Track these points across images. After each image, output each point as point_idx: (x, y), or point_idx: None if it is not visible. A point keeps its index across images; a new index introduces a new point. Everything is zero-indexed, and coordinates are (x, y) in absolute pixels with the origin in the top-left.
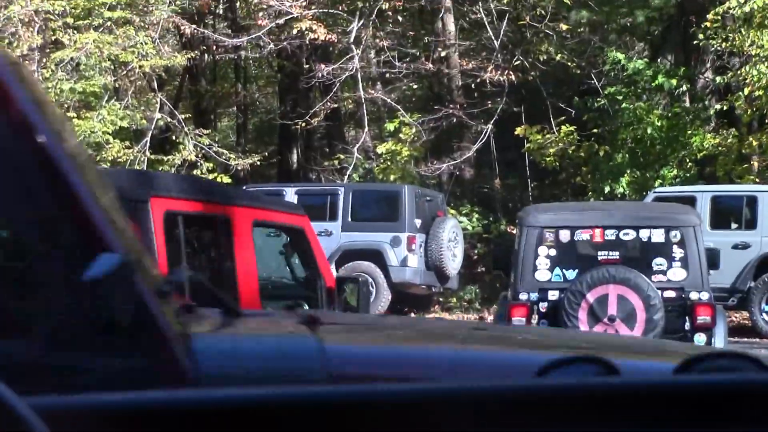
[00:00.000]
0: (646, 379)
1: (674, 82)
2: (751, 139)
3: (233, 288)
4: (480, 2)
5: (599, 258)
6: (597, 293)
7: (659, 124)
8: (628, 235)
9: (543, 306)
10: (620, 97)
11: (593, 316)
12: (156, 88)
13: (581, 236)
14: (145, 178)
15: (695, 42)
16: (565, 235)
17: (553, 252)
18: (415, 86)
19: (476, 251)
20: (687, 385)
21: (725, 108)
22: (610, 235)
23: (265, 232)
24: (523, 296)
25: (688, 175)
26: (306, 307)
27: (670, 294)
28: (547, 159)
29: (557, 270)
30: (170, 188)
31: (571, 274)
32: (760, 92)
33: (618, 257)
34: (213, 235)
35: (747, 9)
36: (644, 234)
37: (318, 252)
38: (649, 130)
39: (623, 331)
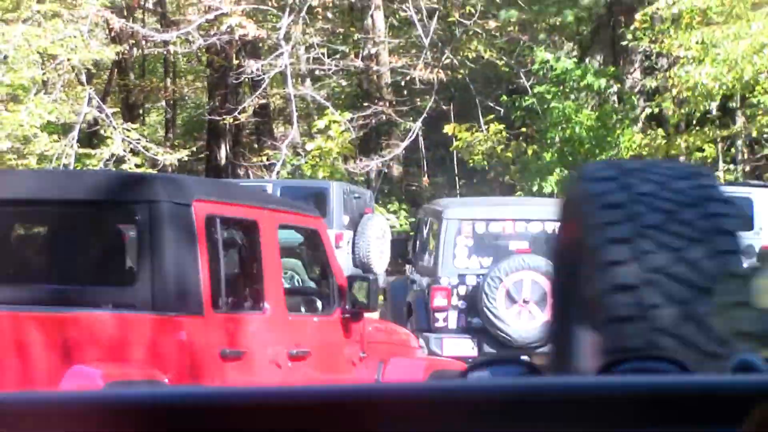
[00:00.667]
0: (569, 380)
1: (603, 81)
2: (678, 140)
3: (261, 285)
4: (410, 0)
5: (512, 248)
6: (513, 278)
7: (588, 123)
8: (537, 227)
9: (462, 289)
10: (549, 96)
11: (510, 298)
12: (84, 81)
13: (495, 228)
14: (189, 183)
15: (624, 42)
16: (481, 227)
17: (470, 242)
18: (344, 83)
19: None
20: (610, 386)
21: (654, 110)
22: (521, 227)
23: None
24: (444, 281)
25: None
26: (319, 303)
27: None
28: (476, 157)
29: (474, 258)
30: (210, 192)
31: (486, 261)
32: (688, 93)
33: (528, 247)
34: (244, 236)
35: (675, 10)
36: (550, 226)
37: (330, 252)
38: (577, 129)
39: (535, 312)
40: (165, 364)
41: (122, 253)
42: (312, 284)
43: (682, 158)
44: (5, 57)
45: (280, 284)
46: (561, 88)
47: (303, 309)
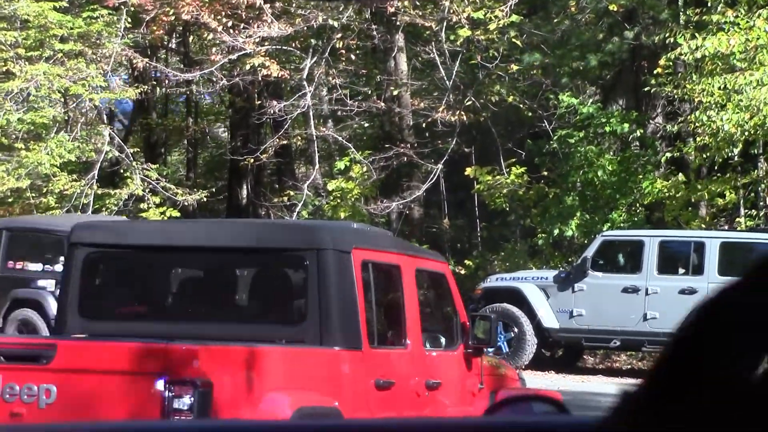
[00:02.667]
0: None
1: (626, 127)
2: (699, 185)
3: (404, 323)
4: (433, 42)
5: None
6: None
7: (610, 168)
8: None
9: None
10: (572, 141)
11: None
12: (106, 121)
13: None
14: (349, 232)
15: (646, 88)
16: None
17: None
18: (366, 125)
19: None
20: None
21: (676, 155)
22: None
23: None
24: None
25: (636, 219)
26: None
27: None
28: (497, 200)
29: None
30: (364, 241)
31: None
32: (709, 140)
33: None
34: (390, 279)
35: (698, 56)
36: None
37: (455, 292)
38: (599, 174)
39: None
40: (333, 392)
41: (291, 295)
42: (438, 321)
43: (703, 204)
44: (27, 95)
45: (418, 322)
46: (584, 132)
47: (432, 344)
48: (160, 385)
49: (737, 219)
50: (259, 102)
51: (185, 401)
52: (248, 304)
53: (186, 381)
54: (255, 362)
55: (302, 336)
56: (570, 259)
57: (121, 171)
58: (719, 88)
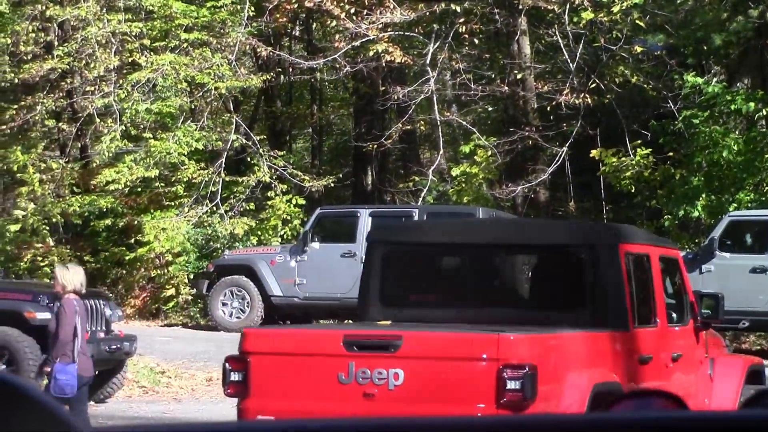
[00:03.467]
0: (716, 413)
1: (752, 105)
2: None
3: (654, 304)
4: (556, 25)
5: None
6: None
7: (735, 147)
8: None
9: None
10: (697, 121)
11: None
12: (232, 109)
13: None
14: (616, 229)
15: None
16: None
17: None
18: (490, 109)
19: None
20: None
21: None
22: None
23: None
24: None
25: (764, 199)
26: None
27: None
28: (623, 182)
29: None
30: (626, 236)
31: None
32: None
33: None
34: (642, 267)
35: None
36: None
37: (685, 275)
38: (725, 154)
39: None
40: (613, 368)
41: (569, 285)
42: (672, 302)
43: None
44: (154, 85)
45: (664, 303)
46: (709, 112)
47: (671, 321)
48: (492, 369)
49: None
50: (383, 88)
51: (516, 384)
52: (530, 293)
53: (517, 365)
54: (563, 346)
55: (588, 321)
56: (697, 240)
57: (248, 159)
58: None
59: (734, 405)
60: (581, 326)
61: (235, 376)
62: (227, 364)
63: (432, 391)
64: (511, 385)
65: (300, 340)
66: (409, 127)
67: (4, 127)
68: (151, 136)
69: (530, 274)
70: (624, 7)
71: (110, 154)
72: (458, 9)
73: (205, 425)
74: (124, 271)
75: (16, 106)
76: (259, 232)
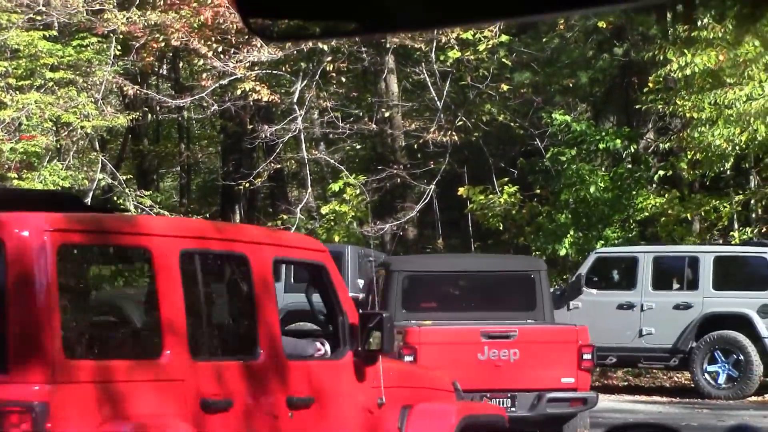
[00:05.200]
0: None
1: (619, 143)
2: (692, 201)
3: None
4: (423, 64)
5: None
6: None
7: (602, 184)
8: None
9: None
10: (564, 158)
11: None
12: (98, 148)
13: None
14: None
15: (637, 106)
16: None
17: None
18: (358, 147)
19: None
20: None
21: (669, 173)
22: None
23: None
24: None
25: (630, 236)
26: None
27: None
28: (490, 219)
29: None
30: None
31: None
32: (701, 155)
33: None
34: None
35: (688, 72)
36: None
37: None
38: (592, 191)
39: None
40: None
41: (524, 295)
42: None
43: (696, 219)
44: (19, 125)
45: None
46: (576, 149)
47: None
48: (575, 348)
49: (731, 233)
50: (251, 126)
51: (589, 356)
52: (499, 302)
53: (587, 345)
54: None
55: (535, 317)
56: (565, 277)
57: (115, 198)
58: (710, 104)
59: None
60: (539, 321)
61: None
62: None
63: (537, 363)
64: (586, 357)
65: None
66: (277, 166)
67: None
68: (16, 176)
69: (500, 289)
70: (490, 46)
71: None
72: (325, 47)
73: None
74: None
75: None
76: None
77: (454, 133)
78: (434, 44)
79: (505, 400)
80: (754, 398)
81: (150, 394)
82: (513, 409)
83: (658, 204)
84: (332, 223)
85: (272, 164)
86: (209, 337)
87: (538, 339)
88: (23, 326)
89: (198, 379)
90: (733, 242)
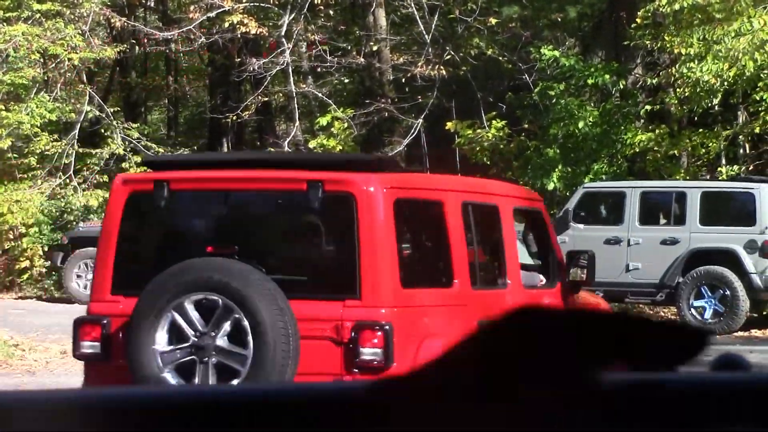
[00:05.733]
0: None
1: (607, 78)
2: (681, 137)
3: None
4: None
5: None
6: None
7: (591, 120)
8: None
9: None
10: (552, 93)
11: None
12: (85, 80)
13: None
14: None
15: (626, 42)
16: None
17: None
18: (346, 80)
19: None
20: None
21: (656, 107)
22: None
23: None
24: None
25: (618, 171)
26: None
27: None
28: (478, 154)
29: None
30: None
31: None
32: (689, 91)
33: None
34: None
35: (677, 7)
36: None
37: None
38: (580, 126)
39: None
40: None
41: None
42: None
43: (684, 155)
44: (6, 56)
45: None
46: (565, 84)
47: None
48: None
49: (719, 169)
50: (239, 59)
51: None
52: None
53: None
54: None
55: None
56: (552, 212)
57: (102, 131)
58: (698, 40)
59: None
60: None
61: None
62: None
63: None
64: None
65: None
66: (265, 99)
67: None
68: (4, 107)
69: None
70: None
71: None
72: None
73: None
74: None
75: None
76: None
77: (441, 67)
78: None
79: None
80: (740, 333)
81: (446, 316)
82: None
83: (646, 139)
84: None
85: (260, 98)
86: (479, 270)
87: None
88: (371, 262)
89: (475, 304)
90: (720, 178)
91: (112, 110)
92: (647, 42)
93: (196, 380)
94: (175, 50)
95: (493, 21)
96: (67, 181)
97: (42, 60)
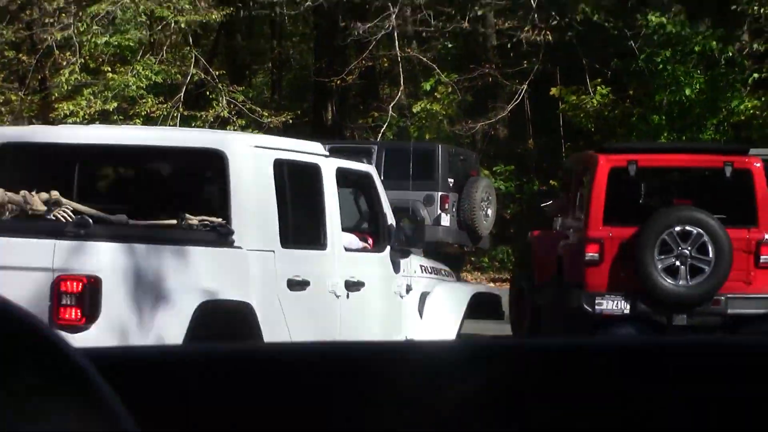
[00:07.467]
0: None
1: (714, 44)
2: None
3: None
4: None
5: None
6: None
7: (697, 87)
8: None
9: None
10: (658, 59)
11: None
12: (191, 43)
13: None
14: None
15: (733, 7)
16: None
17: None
18: (450, 45)
19: (508, 211)
20: None
21: (764, 75)
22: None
23: None
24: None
25: (724, 138)
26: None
27: None
28: (582, 120)
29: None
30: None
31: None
32: None
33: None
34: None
35: None
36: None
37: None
38: (687, 93)
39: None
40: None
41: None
42: None
43: None
44: (113, 18)
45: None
46: (671, 50)
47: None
48: None
49: None
50: (344, 23)
51: None
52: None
53: None
54: None
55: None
56: None
57: (207, 93)
58: None
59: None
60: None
61: None
62: None
63: None
64: None
65: None
66: (369, 63)
67: None
68: (110, 69)
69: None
70: None
71: (69, 87)
72: None
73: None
74: None
75: None
76: None
77: (547, 32)
78: None
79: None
80: None
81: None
82: None
83: (752, 107)
84: (423, 122)
85: (365, 62)
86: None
87: None
88: None
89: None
90: None
91: (217, 73)
92: (754, 8)
93: (679, 278)
94: (280, 14)
95: None
96: None
97: (148, 22)
